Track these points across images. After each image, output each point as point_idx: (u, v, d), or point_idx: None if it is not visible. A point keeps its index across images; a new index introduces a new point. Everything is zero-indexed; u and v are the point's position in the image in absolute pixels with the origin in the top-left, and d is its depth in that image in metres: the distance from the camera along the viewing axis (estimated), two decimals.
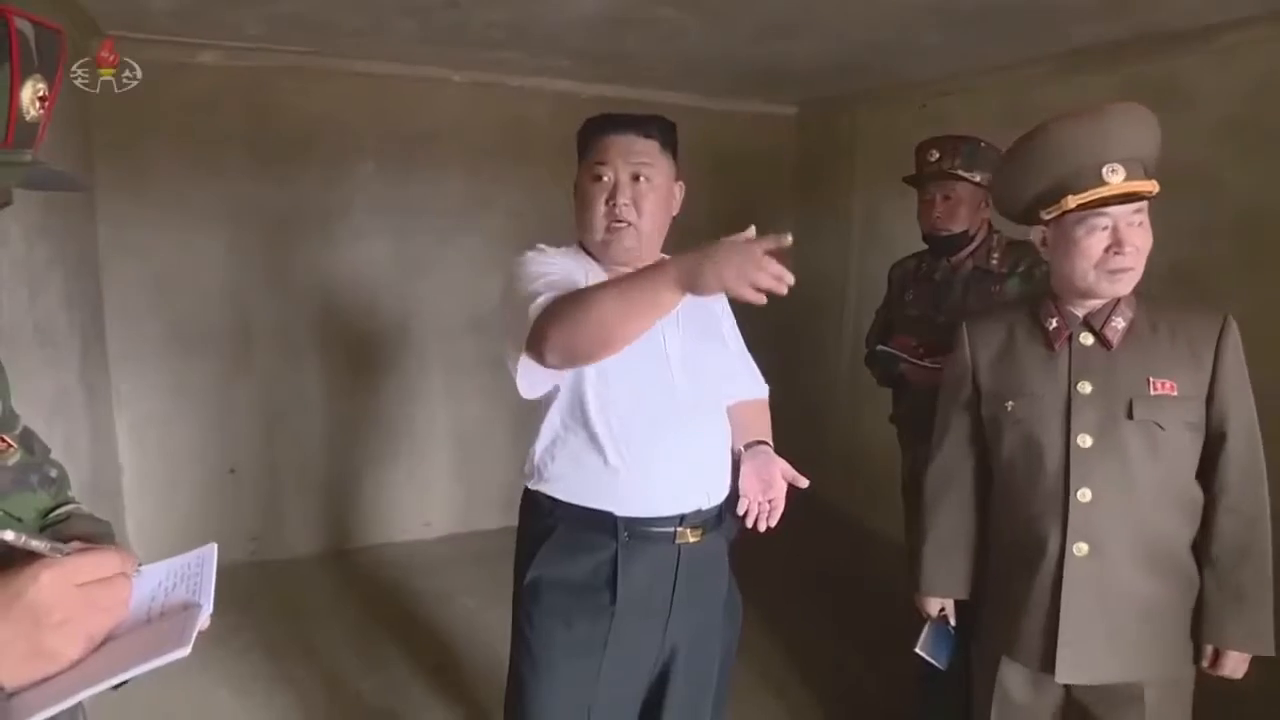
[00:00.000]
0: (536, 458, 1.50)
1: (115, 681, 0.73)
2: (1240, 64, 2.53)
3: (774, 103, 4.41)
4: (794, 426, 4.54)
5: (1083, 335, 1.46)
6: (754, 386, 1.71)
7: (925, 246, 2.45)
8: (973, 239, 2.33)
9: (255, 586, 3.31)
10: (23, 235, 2.21)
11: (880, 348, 2.37)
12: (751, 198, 4.45)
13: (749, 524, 1.48)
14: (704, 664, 1.59)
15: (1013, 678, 1.54)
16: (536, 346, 1.26)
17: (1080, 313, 1.47)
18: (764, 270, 1.06)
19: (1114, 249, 1.37)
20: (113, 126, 3.12)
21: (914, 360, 2.28)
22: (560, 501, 1.47)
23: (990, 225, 2.36)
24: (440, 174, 3.72)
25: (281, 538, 3.65)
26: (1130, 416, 1.40)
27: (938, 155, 2.30)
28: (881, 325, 2.61)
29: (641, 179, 1.46)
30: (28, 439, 0.97)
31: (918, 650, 1.70)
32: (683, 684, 1.55)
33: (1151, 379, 1.41)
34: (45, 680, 0.70)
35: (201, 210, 3.33)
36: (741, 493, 1.47)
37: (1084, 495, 1.41)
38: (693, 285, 1.11)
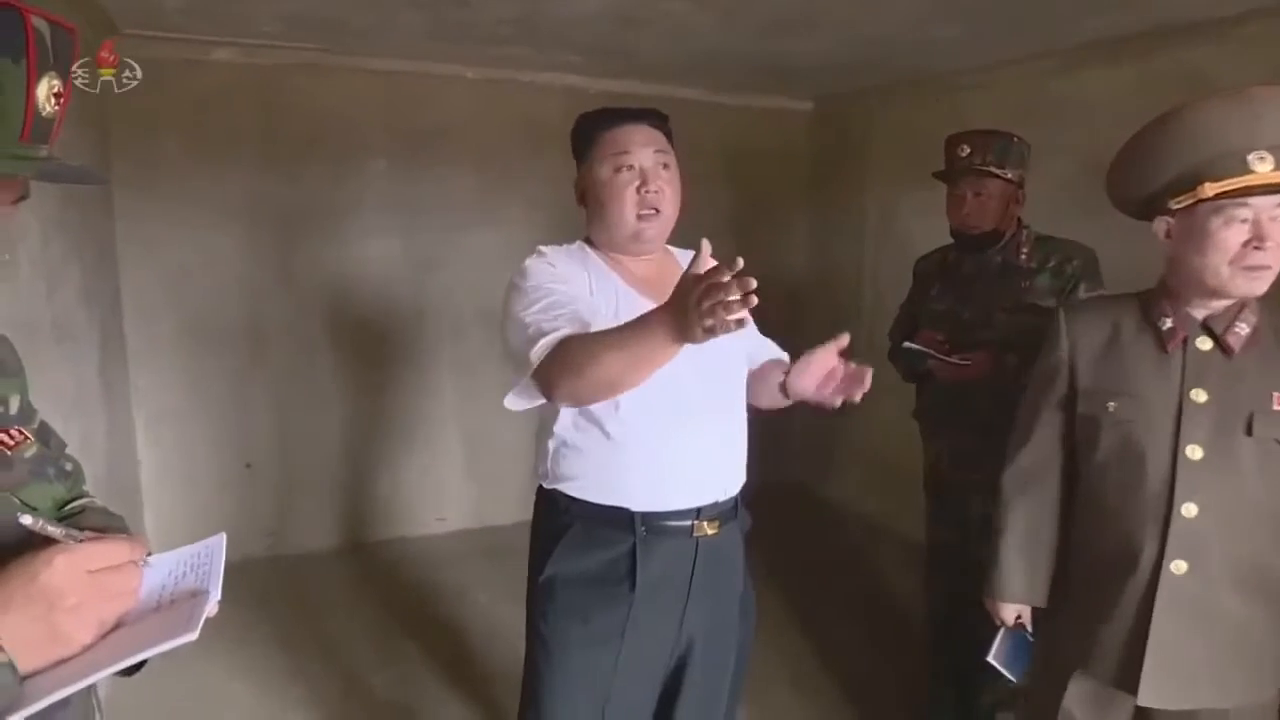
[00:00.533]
0: (549, 457, 1.49)
1: (126, 664, 0.75)
2: (1260, 54, 2.49)
3: (788, 98, 4.39)
4: (807, 424, 4.57)
5: (1200, 339, 1.35)
6: (775, 350, 1.70)
7: (949, 240, 2.40)
8: (1002, 235, 2.29)
9: (271, 581, 3.34)
10: (40, 230, 2.23)
11: (906, 344, 2.32)
12: (765, 194, 4.44)
13: (840, 403, 1.40)
14: (720, 656, 1.58)
15: (1082, 692, 1.45)
16: (544, 390, 1.28)
17: (1200, 314, 1.36)
18: (732, 300, 0.99)
19: (1254, 244, 1.25)
20: (129, 124, 3.15)
21: (941, 356, 2.24)
22: (576, 499, 1.46)
23: (1019, 221, 2.31)
24: (452, 170, 3.74)
25: (297, 532, 3.67)
26: (1249, 433, 1.30)
27: (969, 150, 2.24)
28: (906, 320, 2.56)
29: (666, 167, 1.45)
30: (45, 433, 0.98)
31: (990, 660, 1.60)
32: (699, 676, 1.54)
33: (1276, 394, 1.30)
34: (58, 664, 0.72)
35: (216, 207, 3.36)
36: (815, 398, 1.42)
37: (1189, 510, 1.31)
38: (687, 338, 1.08)
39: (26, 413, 0.94)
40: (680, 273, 1.55)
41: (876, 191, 4.09)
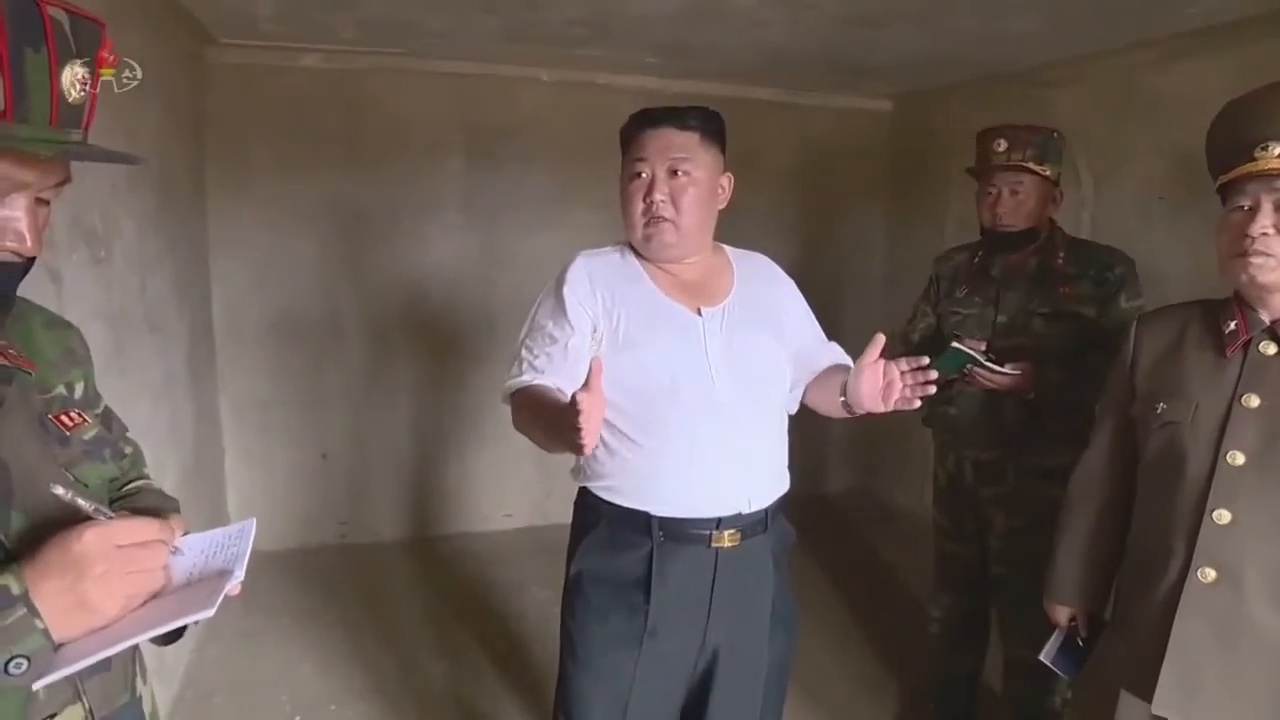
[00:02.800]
0: (580, 457, 1.50)
1: (150, 635, 0.79)
2: None
3: (866, 97, 4.29)
4: (878, 429, 4.43)
5: (1263, 344, 1.30)
6: (837, 355, 1.65)
7: (975, 239, 2.30)
8: (1037, 235, 2.16)
9: (341, 567, 3.48)
10: (135, 228, 2.37)
11: (956, 345, 2.12)
12: (842, 195, 4.36)
13: (891, 406, 1.37)
14: (749, 669, 1.55)
15: (1131, 716, 1.38)
16: (515, 429, 1.44)
17: (1267, 317, 1.31)
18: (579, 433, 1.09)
19: (1246, 228, 1.25)
20: (223, 129, 3.33)
21: (994, 366, 2.05)
22: (603, 499, 1.47)
23: (1053, 222, 2.20)
24: (526, 171, 3.80)
25: (368, 522, 3.80)
26: None
27: (1005, 145, 2.12)
28: (928, 326, 2.40)
29: (680, 173, 1.44)
30: (107, 418, 1.04)
31: (1042, 658, 1.63)
32: (727, 688, 1.52)
33: None
34: (88, 633, 0.76)
35: (300, 207, 3.51)
36: (884, 410, 1.40)
37: (1220, 516, 1.26)
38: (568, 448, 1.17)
39: (90, 397, 0.99)
40: (730, 275, 1.54)
41: (956, 193, 3.92)
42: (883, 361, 1.37)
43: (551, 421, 1.21)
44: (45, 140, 0.75)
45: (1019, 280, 2.17)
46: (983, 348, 2.10)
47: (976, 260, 2.29)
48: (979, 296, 2.24)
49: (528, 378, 1.40)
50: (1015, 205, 2.13)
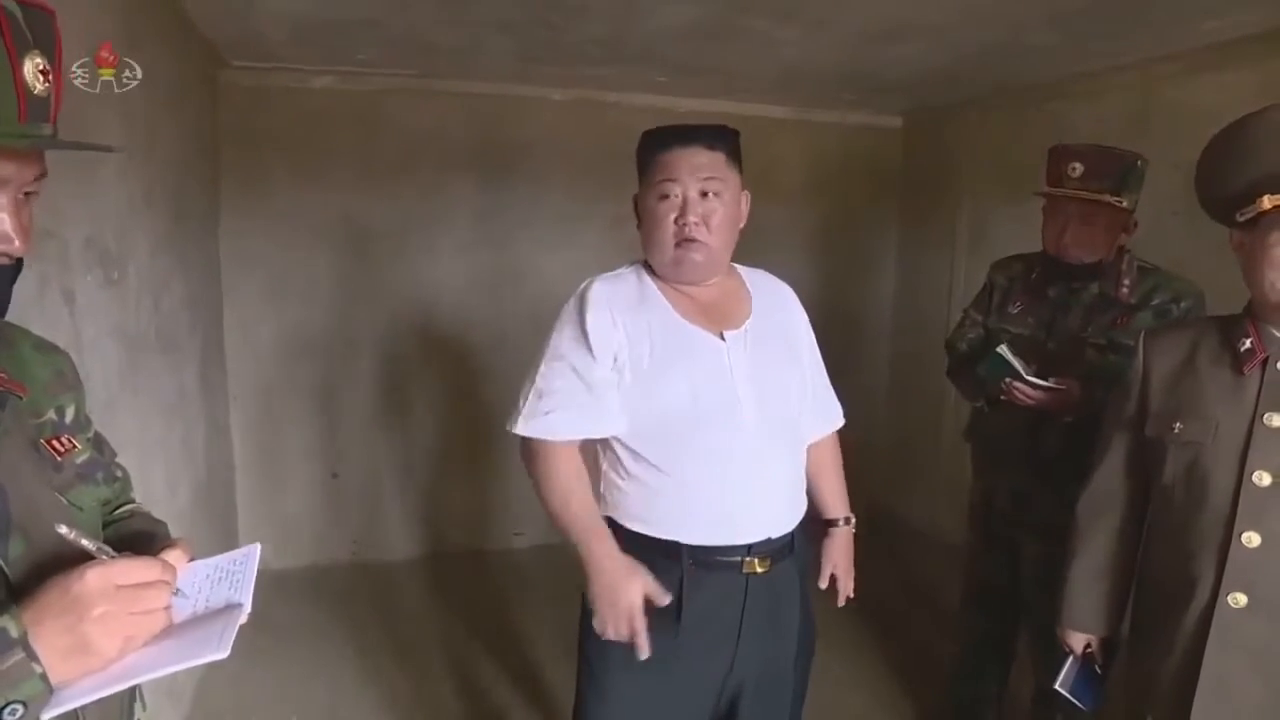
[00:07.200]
0: (603, 486, 1.48)
1: (154, 676, 0.76)
2: None
3: (878, 114, 4.28)
4: (895, 449, 4.40)
5: None
6: (821, 423, 1.63)
7: (1035, 250, 2.17)
8: (1102, 266, 2.01)
9: (352, 586, 3.47)
10: (149, 248, 2.38)
11: (1000, 350, 2.00)
12: (853, 211, 4.34)
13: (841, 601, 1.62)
14: (776, 698, 1.53)
15: None
16: (523, 462, 1.50)
17: None
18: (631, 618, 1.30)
19: None
20: (237, 148, 3.35)
21: (1036, 380, 1.96)
22: (627, 528, 1.44)
23: (1122, 249, 2.03)
24: (539, 188, 3.81)
25: (380, 540, 3.79)
26: None
27: (1081, 170, 1.92)
28: (976, 334, 2.29)
29: (710, 195, 1.41)
30: (99, 442, 1.03)
31: (1058, 688, 1.58)
32: (753, 714, 1.49)
33: None
34: (86, 676, 0.73)
35: (313, 225, 3.53)
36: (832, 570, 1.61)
37: (1250, 540, 1.24)
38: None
39: (81, 422, 0.98)
40: (747, 296, 1.52)
41: (968, 209, 3.91)
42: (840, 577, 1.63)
43: (578, 525, 1.40)
44: (16, 135, 0.73)
45: (1076, 306, 2.04)
46: (1032, 367, 1.99)
47: (1034, 276, 2.14)
48: (1032, 317, 2.11)
49: (546, 423, 1.40)
50: (1086, 237, 1.96)
